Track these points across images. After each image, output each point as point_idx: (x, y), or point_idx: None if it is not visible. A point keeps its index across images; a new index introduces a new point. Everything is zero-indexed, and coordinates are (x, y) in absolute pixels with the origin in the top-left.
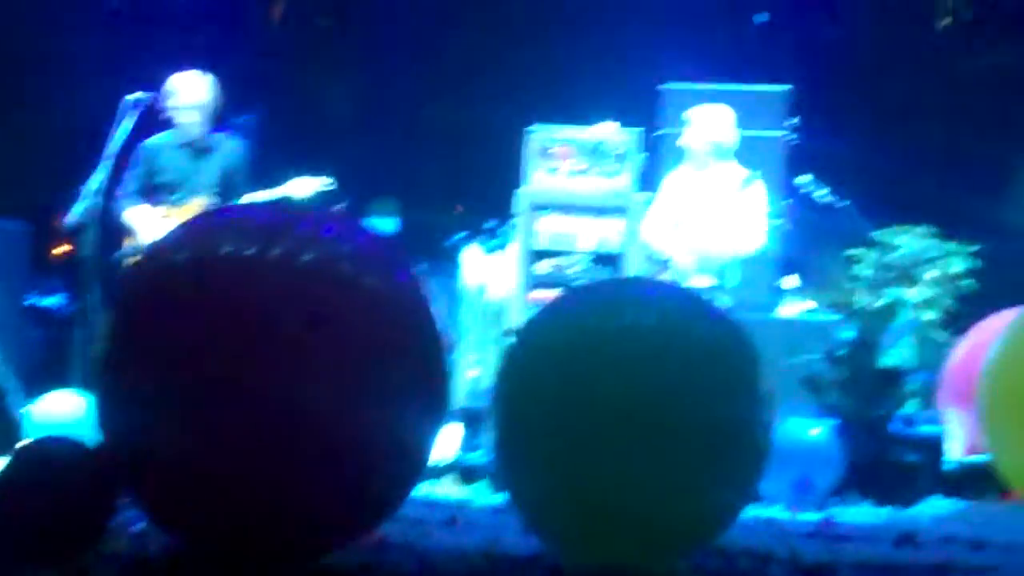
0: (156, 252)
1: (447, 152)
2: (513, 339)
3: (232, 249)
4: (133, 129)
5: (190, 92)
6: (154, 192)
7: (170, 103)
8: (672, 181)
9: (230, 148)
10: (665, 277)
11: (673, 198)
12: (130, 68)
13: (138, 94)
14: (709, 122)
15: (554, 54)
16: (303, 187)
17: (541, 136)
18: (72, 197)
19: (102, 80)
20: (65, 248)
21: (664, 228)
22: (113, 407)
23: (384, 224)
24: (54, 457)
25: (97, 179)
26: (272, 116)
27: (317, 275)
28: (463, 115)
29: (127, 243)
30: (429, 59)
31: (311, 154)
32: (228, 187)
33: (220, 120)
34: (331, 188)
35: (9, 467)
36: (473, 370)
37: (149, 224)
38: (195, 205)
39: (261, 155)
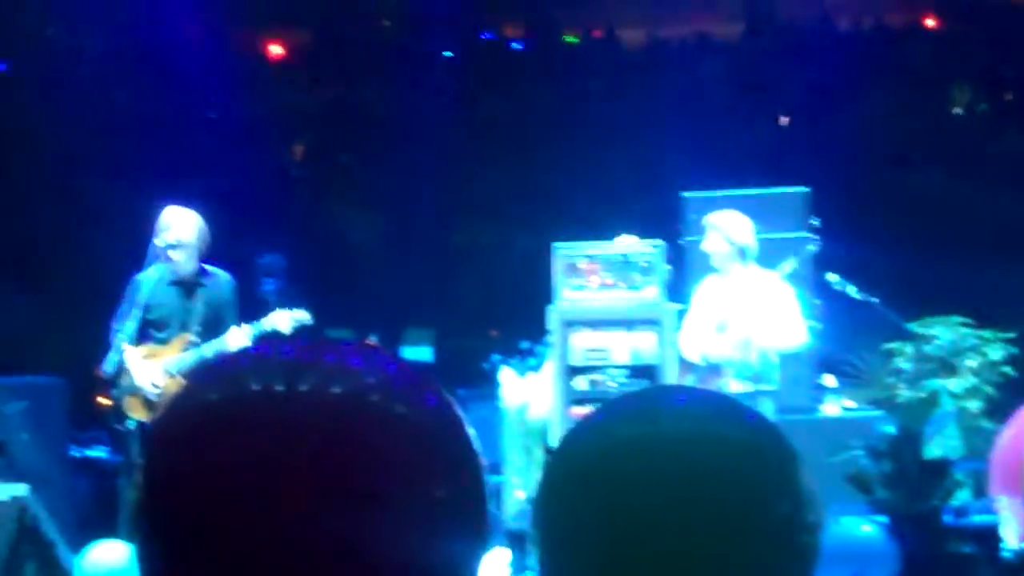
0: (182, 394)
1: (478, 276)
2: (549, 456)
3: (261, 385)
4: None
5: (178, 229)
6: (145, 328)
7: (161, 239)
8: (703, 290)
9: (219, 283)
10: (708, 384)
11: (706, 305)
12: (157, 214)
13: (165, 238)
14: (727, 227)
15: (575, 173)
16: (283, 320)
17: (567, 253)
18: (107, 348)
19: (131, 225)
20: (106, 400)
21: (702, 335)
22: (152, 556)
23: (419, 352)
24: None
25: (130, 327)
26: (302, 252)
27: (346, 405)
28: (491, 239)
29: (123, 381)
30: (453, 188)
31: (343, 287)
32: (216, 322)
33: (210, 255)
34: (308, 322)
35: None
36: (519, 491)
37: (136, 365)
38: (179, 343)
39: (293, 292)
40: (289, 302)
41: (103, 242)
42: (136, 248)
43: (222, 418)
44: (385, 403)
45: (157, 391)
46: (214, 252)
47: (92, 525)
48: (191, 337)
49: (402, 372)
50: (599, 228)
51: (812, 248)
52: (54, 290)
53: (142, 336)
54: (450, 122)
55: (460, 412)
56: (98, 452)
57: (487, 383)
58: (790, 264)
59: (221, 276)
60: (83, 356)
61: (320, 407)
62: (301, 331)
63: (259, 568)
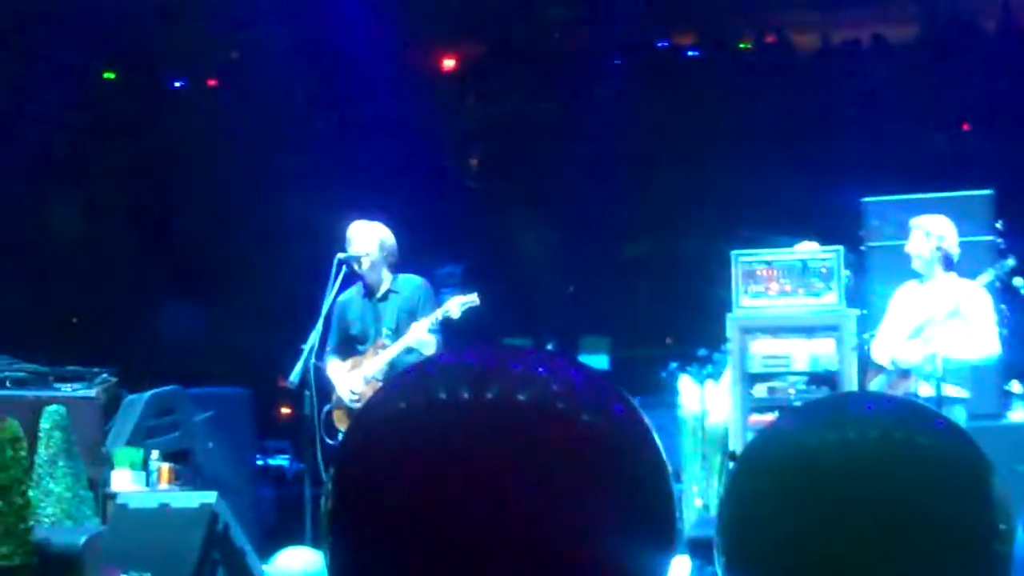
0: (373, 405)
1: (654, 284)
2: (733, 464)
3: (449, 393)
4: (341, 286)
5: (361, 242)
6: (348, 345)
7: (347, 254)
8: (901, 294)
9: (410, 288)
10: (896, 389)
11: (903, 310)
12: (339, 226)
13: (351, 254)
14: (935, 230)
15: (751, 179)
16: (453, 306)
17: (746, 260)
18: (291, 358)
19: (313, 238)
20: (288, 409)
21: (894, 340)
22: (344, 562)
23: (595, 361)
24: None
25: (312, 339)
26: (479, 262)
27: (532, 413)
28: (666, 246)
29: (333, 398)
30: (628, 196)
31: (520, 297)
32: (409, 321)
33: (399, 264)
34: (475, 304)
35: None
36: (699, 499)
37: (340, 378)
38: (373, 350)
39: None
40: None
41: (286, 256)
42: (318, 262)
43: (410, 427)
44: (571, 411)
45: (356, 399)
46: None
47: (277, 533)
48: (383, 342)
49: (587, 380)
50: (776, 235)
51: (1011, 263)
52: (239, 303)
53: (347, 352)
54: (624, 131)
55: (646, 420)
56: (281, 461)
57: (664, 391)
58: (988, 275)
59: (412, 280)
60: (266, 367)
61: (506, 415)
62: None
63: (449, 573)
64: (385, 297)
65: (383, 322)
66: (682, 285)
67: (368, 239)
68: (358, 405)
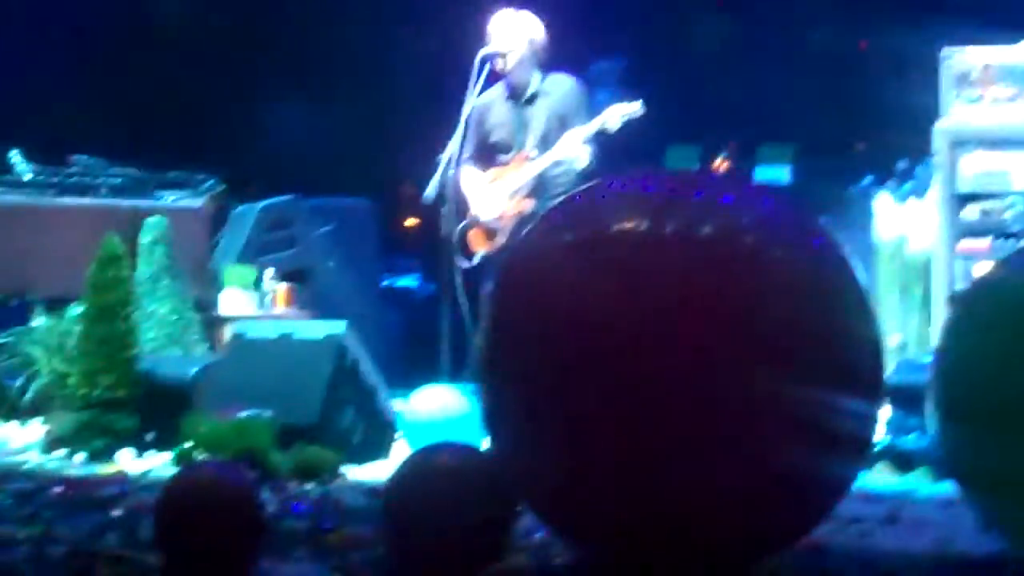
0: (534, 236)
1: (846, 82)
2: (956, 306)
3: (623, 226)
4: (484, 88)
5: (505, 35)
6: (487, 154)
7: (489, 50)
8: None
9: (562, 90)
10: None
11: None
12: (482, 16)
13: (493, 50)
14: None
15: None
16: (612, 116)
17: (959, 60)
18: (424, 168)
19: (454, 29)
20: (414, 221)
21: None
22: (502, 406)
23: (775, 173)
24: (448, 465)
25: (451, 147)
26: (641, 56)
27: (719, 249)
28: (860, 37)
29: (468, 216)
30: None
31: (689, 98)
32: (562, 133)
33: (549, 62)
34: (639, 114)
35: (398, 477)
36: (896, 335)
37: (478, 192)
38: (517, 161)
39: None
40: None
41: (420, 47)
42: (458, 56)
43: (577, 262)
44: (761, 245)
45: (496, 217)
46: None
47: (406, 365)
48: (529, 153)
49: (781, 210)
50: (996, 30)
51: None
52: (364, 100)
53: (486, 162)
54: None
55: (849, 257)
56: (409, 281)
57: (856, 210)
58: None
59: (563, 82)
60: (393, 174)
61: (687, 250)
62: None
63: (629, 427)
64: (532, 100)
65: (529, 129)
66: (880, 84)
67: (514, 32)
68: (498, 224)
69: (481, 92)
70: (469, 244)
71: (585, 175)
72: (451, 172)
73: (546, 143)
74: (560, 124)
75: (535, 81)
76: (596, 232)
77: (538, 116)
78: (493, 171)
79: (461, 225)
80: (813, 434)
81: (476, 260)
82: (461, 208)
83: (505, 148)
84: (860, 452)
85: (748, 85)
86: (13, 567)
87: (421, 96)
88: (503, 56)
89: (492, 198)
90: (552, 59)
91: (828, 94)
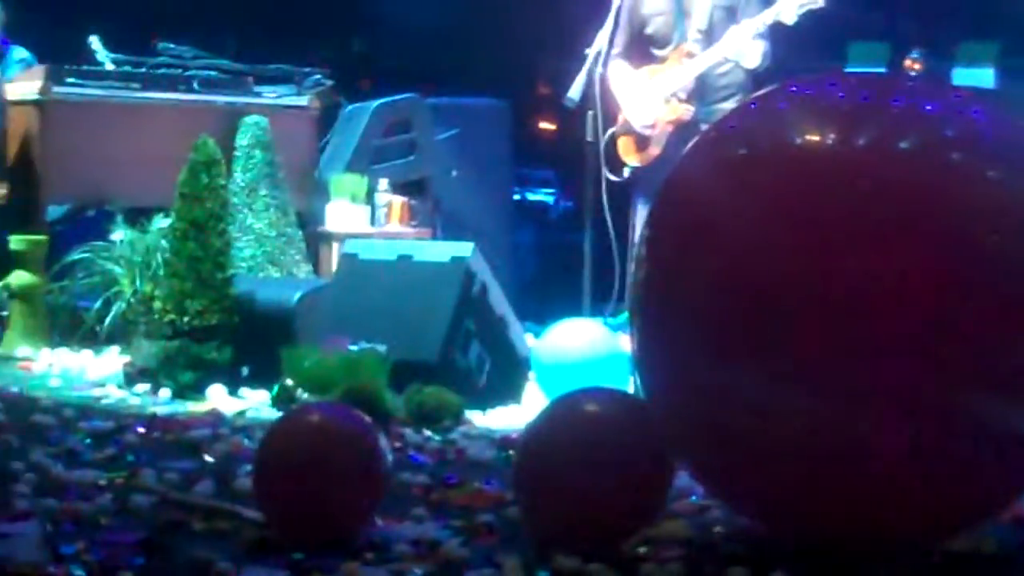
0: (700, 149)
1: None
2: None
3: (808, 139)
4: None
5: None
6: (640, 47)
7: None
8: None
9: None
10: None
11: None
12: None
13: None
14: None
15: None
16: (789, 6)
17: None
18: (567, 65)
19: None
20: (552, 126)
21: None
22: (657, 346)
23: (977, 76)
24: (593, 414)
25: (599, 41)
26: None
27: (918, 167)
28: None
29: (618, 121)
30: None
31: None
32: (731, 21)
33: None
34: (821, 5)
35: (536, 427)
36: None
37: (630, 93)
38: (675, 56)
39: None
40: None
41: None
42: None
43: (753, 181)
44: (972, 164)
45: (649, 124)
46: None
47: (541, 294)
48: (690, 48)
49: (993, 123)
50: None
51: None
52: None
53: (640, 57)
54: None
55: None
56: (544, 195)
57: None
58: None
59: None
60: (527, 71)
61: (883, 167)
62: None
63: (808, 380)
64: None
65: (691, 20)
66: None
67: None
68: (652, 131)
69: None
70: (618, 154)
71: (756, 76)
72: (599, 70)
73: (710, 37)
74: (727, 15)
75: None
76: (776, 146)
77: (702, 4)
78: (648, 68)
79: (609, 132)
80: None
81: (626, 173)
82: (609, 112)
83: (663, 41)
84: None
85: None
86: (93, 518)
87: None
88: None
89: (646, 100)
90: None
91: None
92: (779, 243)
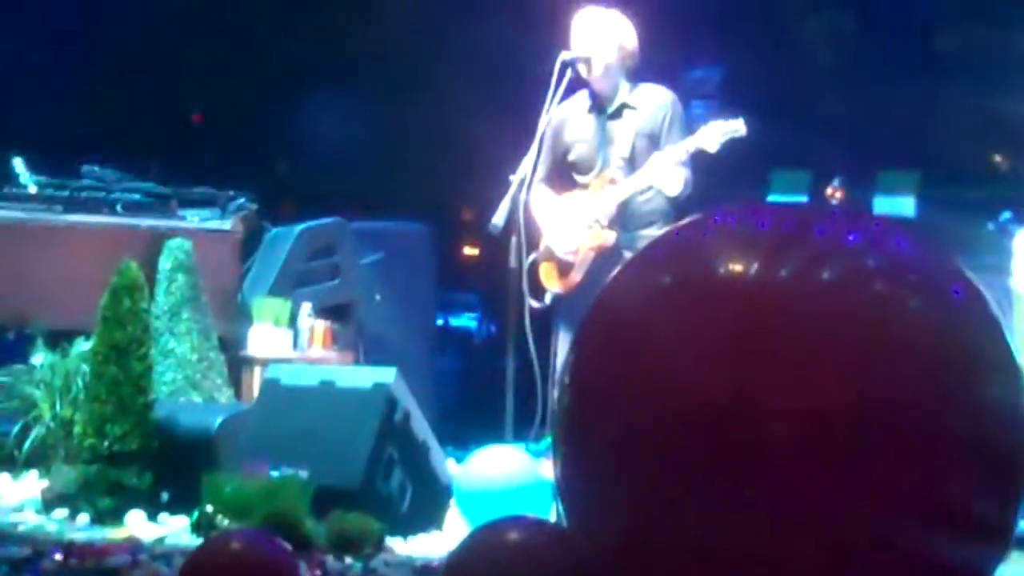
0: (625, 278)
1: (978, 95)
2: None
3: (731, 268)
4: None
5: (591, 38)
6: (565, 174)
7: (572, 55)
8: None
9: (653, 103)
10: None
11: None
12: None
13: (578, 53)
14: None
15: None
16: (710, 136)
17: None
18: (493, 191)
19: (531, 27)
20: (475, 251)
21: None
22: (581, 474)
23: (897, 204)
24: (518, 542)
25: (524, 166)
26: (743, 65)
27: (840, 298)
28: (995, 39)
29: (540, 247)
30: None
31: (798, 113)
32: (649, 149)
33: (637, 70)
34: (741, 133)
35: (460, 555)
36: None
37: (552, 219)
38: (598, 184)
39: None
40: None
41: (485, 45)
42: (534, 59)
43: (677, 309)
44: (894, 294)
45: (571, 251)
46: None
47: (464, 420)
48: (613, 175)
49: (915, 253)
50: None
51: None
52: (419, 107)
53: (563, 182)
54: None
55: (995, 310)
56: (468, 321)
57: (992, 251)
58: None
59: (655, 94)
60: (452, 196)
61: (805, 297)
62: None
63: (715, 490)
64: (619, 113)
65: (614, 147)
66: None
67: (601, 34)
68: (573, 257)
69: (560, 102)
70: (539, 280)
71: (677, 203)
72: (523, 195)
73: (633, 164)
74: (650, 143)
75: (623, 92)
76: (699, 275)
77: (624, 132)
78: (570, 195)
79: (531, 258)
80: (942, 518)
81: (547, 300)
82: (532, 238)
83: (585, 168)
84: (999, 539)
85: (866, 100)
86: None
87: (487, 105)
88: (587, 61)
89: (568, 227)
90: (642, 67)
91: (959, 112)
92: (702, 371)
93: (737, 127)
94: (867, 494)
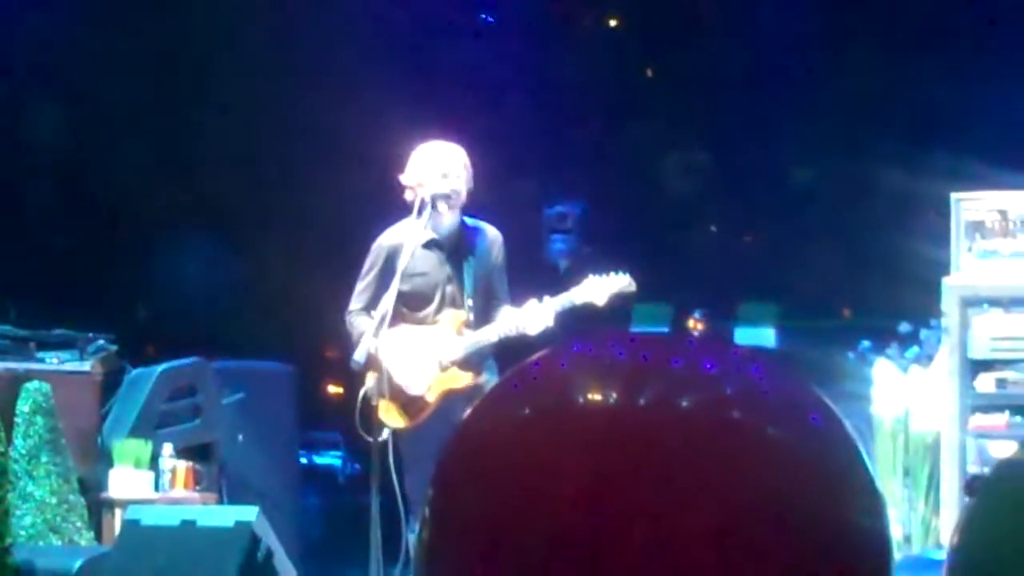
0: (484, 409)
1: (835, 230)
2: (977, 495)
3: (589, 397)
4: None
5: (448, 173)
6: (398, 304)
7: (425, 186)
8: None
9: (487, 242)
10: None
11: None
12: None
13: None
14: None
15: (979, 97)
16: (598, 290)
17: (972, 206)
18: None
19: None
20: (339, 390)
21: None
22: None
23: (758, 336)
24: None
25: (385, 303)
26: (603, 201)
27: (699, 426)
28: (852, 178)
29: (368, 379)
30: (798, 110)
31: (657, 248)
32: (488, 292)
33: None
34: (631, 289)
35: None
36: (898, 527)
37: (394, 354)
38: (451, 323)
39: (589, 254)
40: (586, 266)
41: (339, 184)
42: (377, 196)
43: (538, 440)
44: (751, 422)
45: (422, 391)
46: (484, 200)
47: (328, 557)
48: (463, 316)
49: (774, 380)
50: (1013, 172)
51: None
52: (278, 247)
53: (394, 316)
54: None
55: (854, 436)
56: (332, 459)
57: (852, 379)
58: None
59: (490, 233)
60: (314, 335)
61: (664, 427)
62: (620, 301)
63: None
64: (456, 250)
65: (459, 287)
66: (880, 234)
67: (458, 169)
68: (427, 396)
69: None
70: (380, 414)
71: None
72: (383, 331)
73: (475, 304)
74: (487, 284)
75: (460, 228)
76: (558, 405)
77: (468, 270)
78: (408, 329)
79: (362, 392)
80: None
81: (384, 435)
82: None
83: (420, 302)
84: None
85: (726, 234)
86: None
87: (346, 244)
88: (449, 197)
89: (416, 365)
90: (503, 201)
91: (818, 244)
92: (563, 502)
93: (625, 283)
94: None
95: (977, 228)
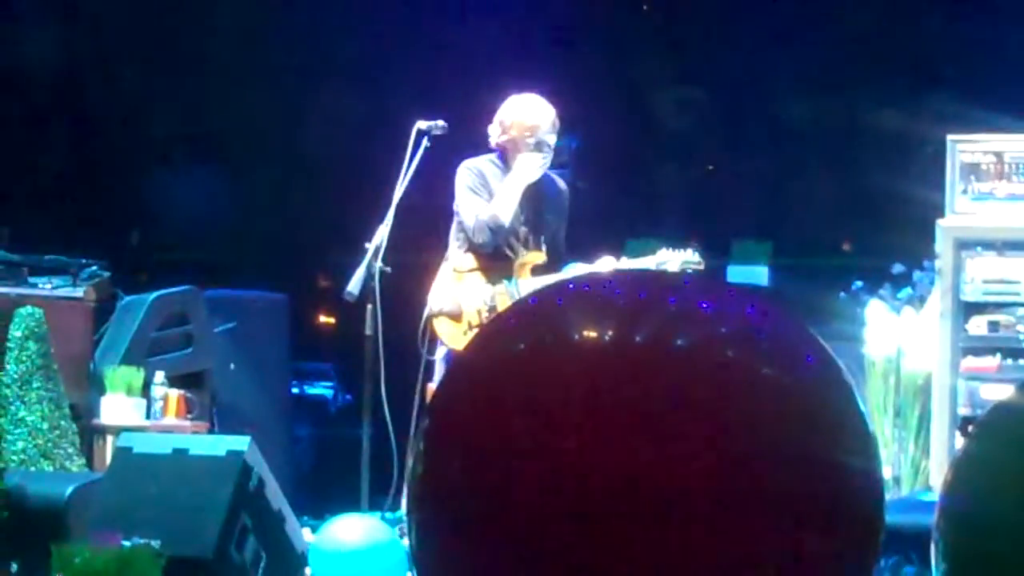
0: (482, 340)
1: (831, 169)
2: (970, 436)
3: (584, 334)
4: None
5: (543, 121)
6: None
7: (513, 134)
8: None
9: (561, 191)
10: None
11: None
12: (422, 91)
13: (433, 122)
14: None
15: (977, 37)
16: (671, 259)
17: (968, 148)
18: (348, 257)
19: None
20: (331, 320)
21: None
22: (435, 542)
23: (750, 274)
24: None
25: (380, 235)
26: (600, 133)
27: (694, 364)
28: (847, 115)
29: (438, 300)
30: (795, 40)
31: (651, 183)
32: (555, 240)
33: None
34: (700, 267)
35: None
36: (888, 468)
37: (462, 283)
38: (522, 262)
39: (583, 187)
40: (581, 200)
41: (343, 119)
42: (373, 127)
43: (530, 374)
44: (745, 361)
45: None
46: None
47: (318, 488)
48: (540, 257)
49: (769, 320)
50: (1011, 116)
51: None
52: (273, 175)
53: (468, 251)
54: None
55: (847, 377)
56: (323, 390)
57: (844, 319)
58: None
59: (560, 183)
60: (307, 264)
61: (658, 363)
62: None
63: (569, 560)
64: (534, 195)
65: (538, 228)
66: (875, 174)
67: (551, 119)
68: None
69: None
70: (434, 333)
71: None
72: (377, 264)
73: (547, 249)
74: (556, 228)
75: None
76: (553, 341)
77: (543, 215)
78: (483, 261)
79: (430, 312)
80: None
81: (439, 354)
82: (387, 306)
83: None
84: None
85: (719, 170)
86: None
87: (342, 173)
88: (547, 148)
89: (488, 296)
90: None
91: (812, 182)
92: (556, 437)
93: (695, 260)
94: (725, 558)
95: (972, 170)
